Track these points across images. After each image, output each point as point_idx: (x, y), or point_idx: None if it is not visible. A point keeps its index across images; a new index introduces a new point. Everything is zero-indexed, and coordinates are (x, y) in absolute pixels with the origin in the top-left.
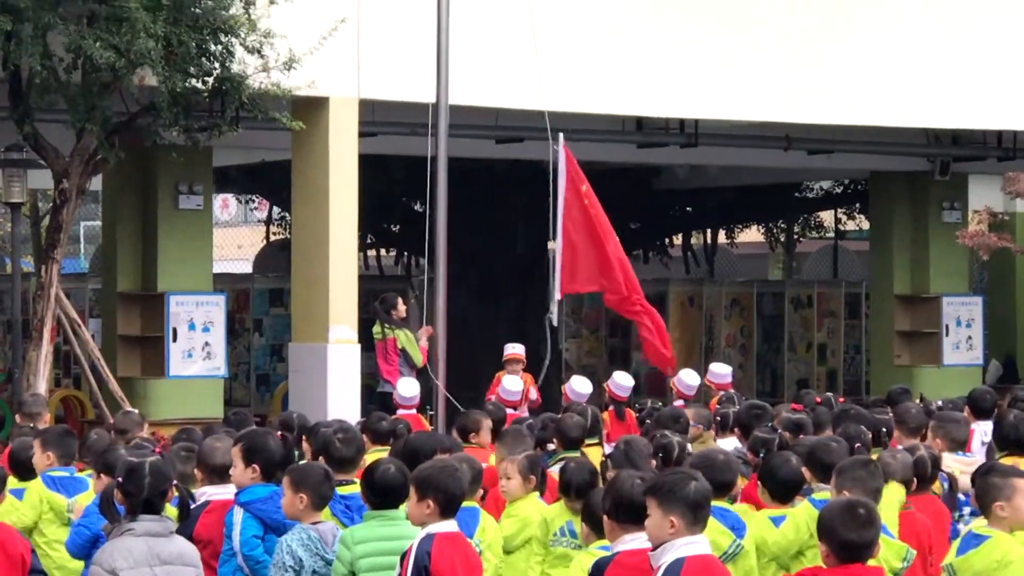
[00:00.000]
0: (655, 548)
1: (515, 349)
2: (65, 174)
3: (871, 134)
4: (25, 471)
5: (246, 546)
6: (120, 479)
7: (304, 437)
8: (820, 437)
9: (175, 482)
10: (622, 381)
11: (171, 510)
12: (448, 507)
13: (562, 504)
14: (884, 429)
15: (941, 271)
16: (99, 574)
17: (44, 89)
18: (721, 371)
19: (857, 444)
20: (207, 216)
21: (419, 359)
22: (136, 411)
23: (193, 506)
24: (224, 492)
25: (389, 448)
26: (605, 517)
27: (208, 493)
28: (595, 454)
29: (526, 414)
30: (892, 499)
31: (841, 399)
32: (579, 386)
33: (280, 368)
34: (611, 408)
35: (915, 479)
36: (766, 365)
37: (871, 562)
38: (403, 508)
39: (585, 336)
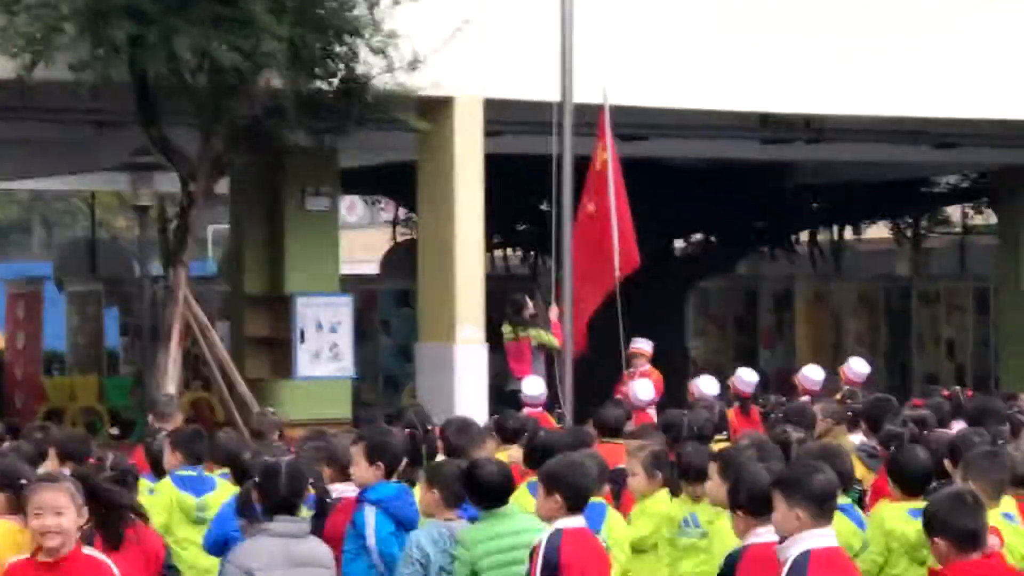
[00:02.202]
0: (782, 541)
1: (639, 344)
2: (192, 177)
3: (997, 127)
4: (160, 470)
5: (383, 543)
6: (257, 479)
7: (440, 433)
8: (963, 430)
9: (312, 481)
10: (747, 377)
11: (305, 511)
12: (576, 502)
13: (683, 496)
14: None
15: None
16: (233, 573)
17: (170, 93)
18: (859, 368)
19: (1000, 440)
20: (334, 217)
21: (556, 342)
22: (272, 410)
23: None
24: (350, 490)
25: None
26: (736, 511)
27: (339, 491)
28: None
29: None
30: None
31: (970, 393)
32: (706, 386)
33: (408, 368)
34: (736, 405)
35: None
36: (895, 362)
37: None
38: (512, 504)
39: (711, 333)
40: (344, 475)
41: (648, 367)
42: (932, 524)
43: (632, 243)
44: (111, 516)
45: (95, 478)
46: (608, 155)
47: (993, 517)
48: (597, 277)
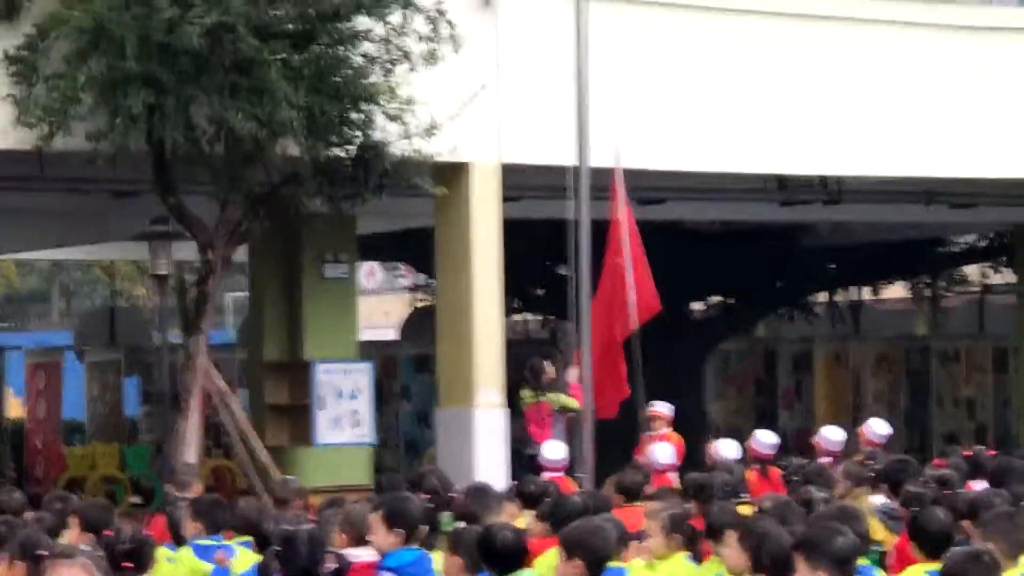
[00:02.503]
0: None
1: (658, 407)
2: (210, 245)
3: (1014, 186)
4: (180, 538)
5: None
6: (277, 548)
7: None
8: (982, 491)
9: (331, 549)
10: (766, 439)
11: None
12: (595, 566)
13: (713, 560)
14: None
15: None
16: None
17: (188, 162)
18: (879, 429)
19: (1022, 501)
20: (352, 284)
21: (576, 404)
22: (293, 478)
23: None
24: (366, 555)
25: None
26: (759, 574)
27: (355, 555)
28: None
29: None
30: None
31: (992, 452)
32: (725, 449)
33: (428, 434)
34: (756, 467)
35: None
36: (914, 422)
37: None
38: (528, 570)
39: (731, 396)
40: (360, 543)
41: (668, 430)
42: None
43: (651, 290)
44: None
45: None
46: (620, 206)
47: None
48: (616, 328)
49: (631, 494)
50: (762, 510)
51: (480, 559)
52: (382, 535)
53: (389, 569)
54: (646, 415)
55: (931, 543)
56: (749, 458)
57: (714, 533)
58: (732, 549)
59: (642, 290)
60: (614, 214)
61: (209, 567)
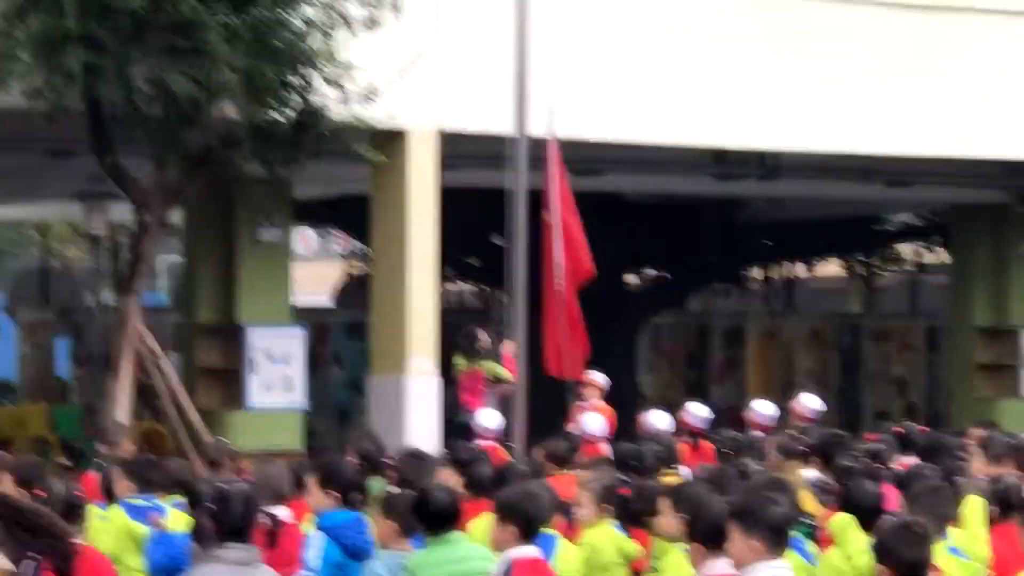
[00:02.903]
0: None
1: (591, 376)
2: (145, 206)
3: (950, 166)
4: (111, 496)
5: (324, 571)
6: (212, 505)
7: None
8: (913, 464)
9: (264, 508)
10: (698, 412)
11: None
12: (529, 532)
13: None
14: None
15: (1022, 303)
16: None
17: (125, 122)
18: (810, 404)
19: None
20: (287, 248)
21: (510, 376)
22: (227, 440)
23: None
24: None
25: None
26: (693, 542)
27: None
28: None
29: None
30: (976, 515)
31: (923, 429)
32: (657, 420)
33: (360, 401)
34: (687, 439)
35: (998, 507)
36: (846, 398)
37: None
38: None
39: (663, 368)
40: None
41: (600, 402)
42: (879, 550)
43: (585, 254)
44: (57, 546)
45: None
46: (552, 171)
47: (940, 551)
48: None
49: (561, 462)
50: (697, 479)
51: (414, 521)
52: (317, 496)
53: (324, 529)
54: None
55: (863, 515)
56: (681, 430)
57: (646, 501)
58: (665, 516)
59: (575, 254)
60: (546, 181)
61: (141, 527)
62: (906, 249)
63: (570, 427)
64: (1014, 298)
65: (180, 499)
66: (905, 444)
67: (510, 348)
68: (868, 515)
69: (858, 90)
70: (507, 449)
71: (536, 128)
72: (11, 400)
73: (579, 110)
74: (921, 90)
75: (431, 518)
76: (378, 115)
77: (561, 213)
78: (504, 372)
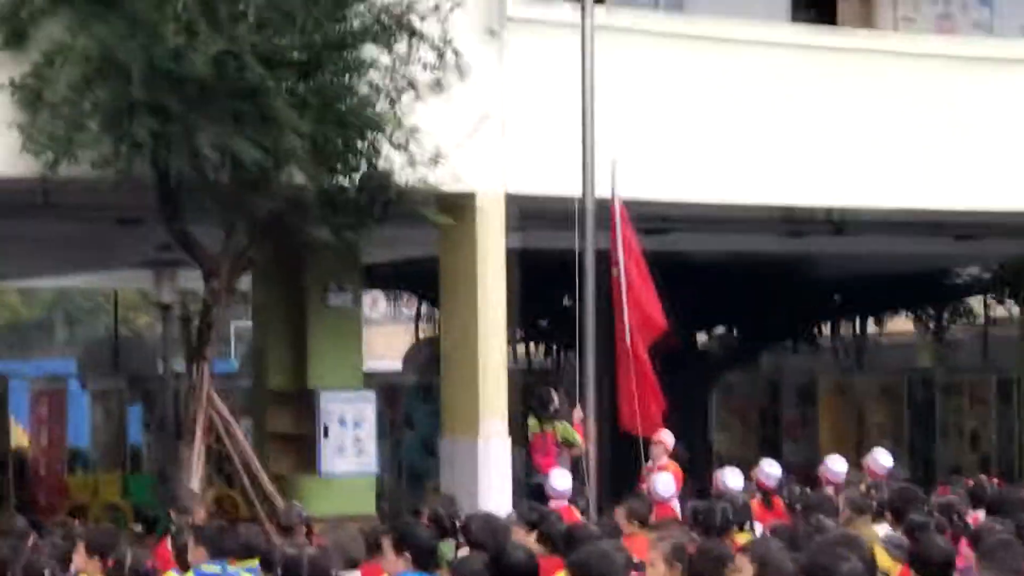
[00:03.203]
0: None
1: (660, 435)
2: (214, 274)
3: (1018, 218)
4: (184, 564)
5: None
6: (282, 572)
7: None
8: (985, 521)
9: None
10: (770, 469)
11: None
12: None
13: None
14: None
15: None
16: None
17: (193, 189)
18: (883, 460)
19: None
20: (356, 313)
21: (580, 442)
22: (300, 505)
23: None
24: None
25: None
26: None
27: None
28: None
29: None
30: None
31: (996, 481)
32: (730, 479)
33: (431, 463)
34: (760, 497)
35: None
36: (918, 453)
37: None
38: None
39: (735, 427)
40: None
41: (666, 460)
42: None
43: (657, 310)
44: None
45: None
46: (618, 230)
47: None
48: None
49: (643, 520)
50: (770, 535)
51: None
52: (391, 559)
53: None
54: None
55: (934, 571)
56: (754, 488)
57: (716, 561)
58: (740, 574)
59: (647, 309)
60: (613, 239)
61: None
62: (976, 303)
63: (641, 487)
64: None
65: (254, 566)
66: (977, 498)
67: (579, 416)
68: (940, 571)
69: (925, 145)
70: (579, 510)
71: (603, 189)
72: (84, 468)
73: (645, 170)
74: (988, 144)
75: None
76: (445, 178)
77: (630, 269)
78: (576, 437)
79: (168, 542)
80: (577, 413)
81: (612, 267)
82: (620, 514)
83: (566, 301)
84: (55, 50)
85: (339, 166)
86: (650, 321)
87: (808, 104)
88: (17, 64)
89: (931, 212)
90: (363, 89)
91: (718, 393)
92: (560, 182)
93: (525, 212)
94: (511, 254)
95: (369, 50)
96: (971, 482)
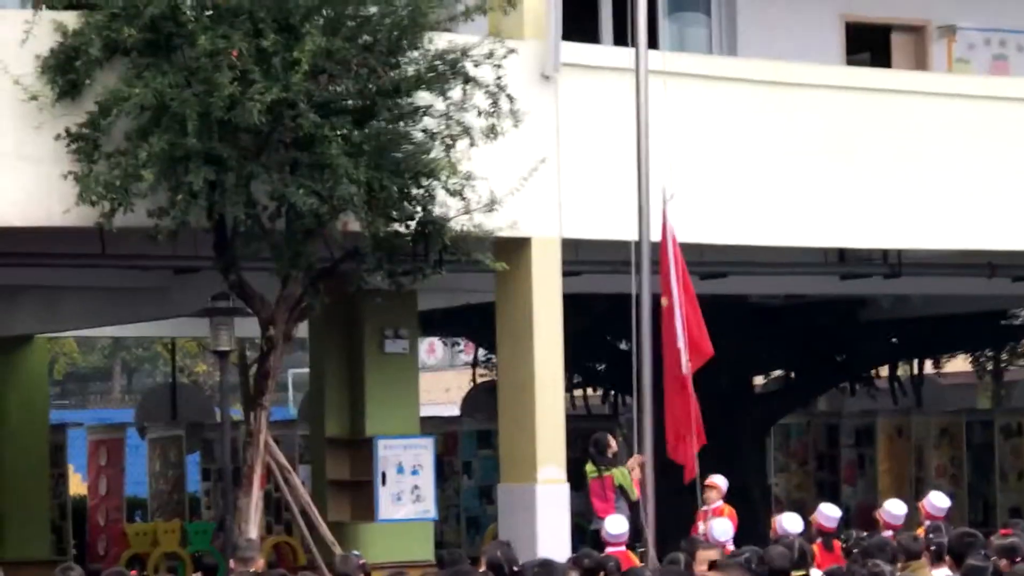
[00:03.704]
0: None
1: (713, 478)
2: (271, 321)
3: None
4: None
5: None
6: None
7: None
8: None
9: None
10: (829, 512)
11: None
12: None
13: None
14: None
15: None
16: None
17: (249, 238)
18: (939, 502)
19: None
20: (413, 360)
21: (635, 493)
22: (357, 553)
23: None
24: None
25: None
26: None
27: None
28: None
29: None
30: None
31: None
32: (789, 523)
33: (490, 510)
34: (819, 540)
35: None
36: (978, 495)
37: None
38: None
39: (793, 470)
40: None
41: (721, 503)
42: None
43: (703, 334)
44: None
45: None
46: (671, 250)
47: None
48: (676, 377)
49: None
50: None
51: None
52: None
53: None
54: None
55: None
56: (813, 531)
57: None
58: None
59: (695, 336)
60: (664, 266)
61: None
62: None
63: (695, 532)
64: None
65: None
66: None
67: (638, 473)
68: None
69: (980, 185)
70: (637, 555)
71: (658, 233)
72: (143, 517)
73: (701, 213)
74: None
75: None
76: (500, 224)
77: (680, 296)
78: (632, 489)
79: None
80: (636, 459)
81: (663, 296)
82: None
83: (622, 345)
84: (110, 100)
85: (394, 213)
86: (698, 347)
87: (863, 145)
88: (73, 114)
89: (987, 253)
90: (418, 135)
91: (776, 436)
92: (615, 226)
93: (580, 256)
94: (566, 298)
95: (424, 97)
96: None
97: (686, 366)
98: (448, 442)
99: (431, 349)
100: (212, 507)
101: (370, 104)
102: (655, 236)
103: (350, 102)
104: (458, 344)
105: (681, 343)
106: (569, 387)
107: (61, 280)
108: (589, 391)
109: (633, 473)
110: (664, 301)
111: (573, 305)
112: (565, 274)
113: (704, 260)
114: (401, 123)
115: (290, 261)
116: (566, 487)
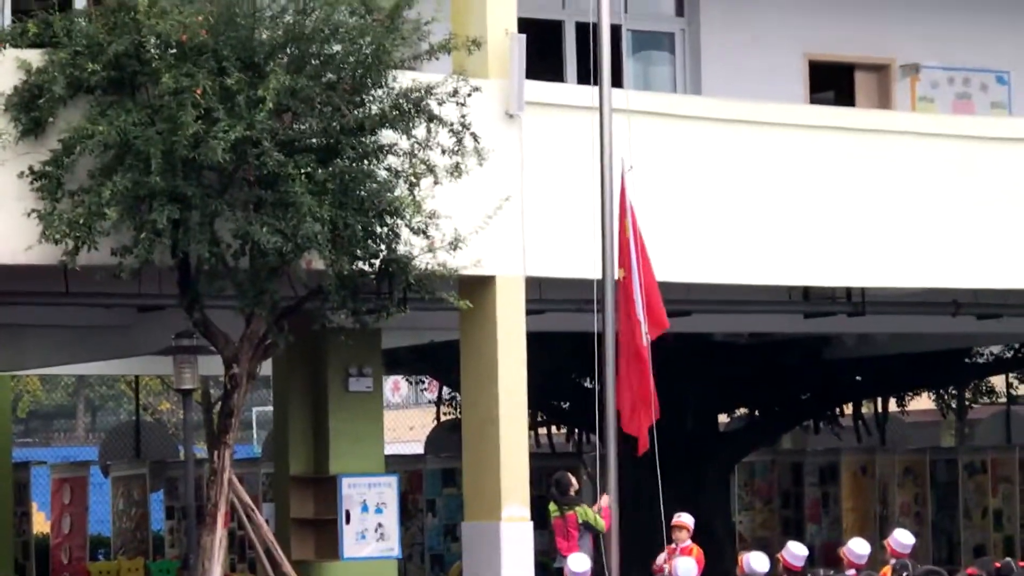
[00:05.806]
0: None
1: (681, 518)
2: (235, 359)
3: None
4: None
5: None
6: None
7: None
8: None
9: None
10: (796, 551)
11: None
12: None
13: None
14: None
15: None
16: None
17: (213, 276)
18: (904, 539)
19: None
20: (378, 398)
21: (603, 525)
22: None
23: None
24: None
25: None
26: None
27: None
28: None
29: None
30: None
31: (1022, 563)
32: (756, 562)
33: (454, 548)
34: None
35: None
36: (942, 532)
37: None
38: None
39: (758, 508)
40: None
41: (689, 542)
42: None
43: (660, 307)
44: None
45: None
46: (629, 222)
47: None
48: (634, 349)
49: None
50: None
51: None
52: None
53: None
54: (671, 525)
55: None
56: (780, 570)
57: None
58: None
59: (652, 305)
60: (622, 225)
61: None
62: (998, 381)
63: (660, 570)
64: None
65: None
66: None
67: (606, 501)
68: None
69: (944, 224)
70: None
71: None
72: (106, 555)
73: (665, 252)
74: (1008, 223)
75: None
76: (464, 262)
77: (639, 268)
78: (598, 521)
79: None
80: (605, 498)
81: (620, 268)
82: None
83: (586, 383)
84: (74, 138)
85: (359, 251)
86: (655, 319)
87: (826, 184)
88: (36, 152)
89: (952, 291)
90: (382, 174)
91: (740, 473)
92: (579, 264)
93: (543, 294)
94: (530, 336)
95: (388, 135)
96: (998, 564)
97: (646, 337)
98: (412, 480)
99: (395, 387)
100: (176, 545)
101: (334, 142)
102: (619, 274)
103: (314, 140)
104: (422, 382)
105: (641, 314)
106: (533, 425)
107: (24, 318)
108: (554, 429)
109: (602, 500)
110: (621, 273)
111: (537, 343)
112: (529, 312)
113: (668, 298)
114: (365, 161)
115: (254, 299)
116: (530, 525)
